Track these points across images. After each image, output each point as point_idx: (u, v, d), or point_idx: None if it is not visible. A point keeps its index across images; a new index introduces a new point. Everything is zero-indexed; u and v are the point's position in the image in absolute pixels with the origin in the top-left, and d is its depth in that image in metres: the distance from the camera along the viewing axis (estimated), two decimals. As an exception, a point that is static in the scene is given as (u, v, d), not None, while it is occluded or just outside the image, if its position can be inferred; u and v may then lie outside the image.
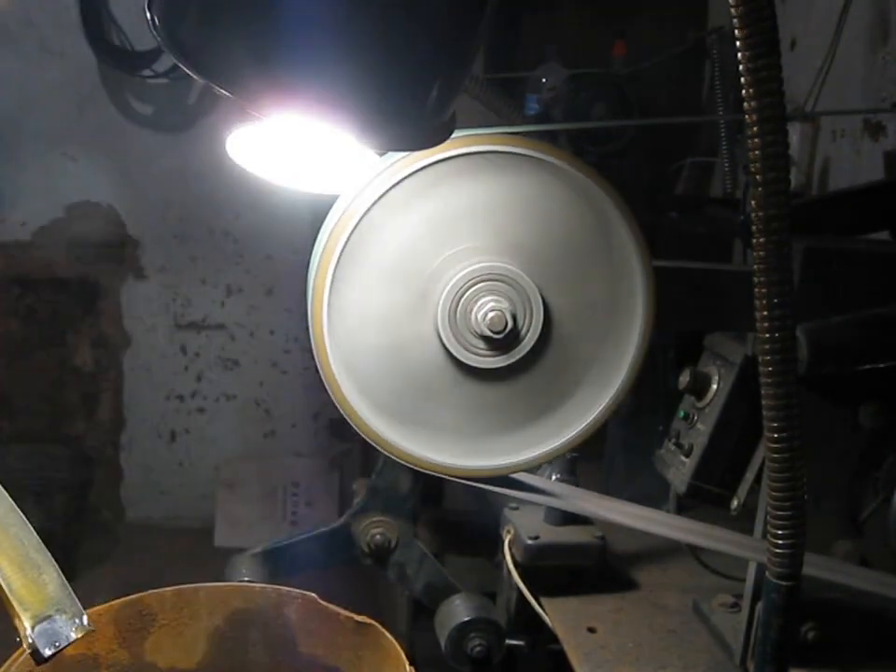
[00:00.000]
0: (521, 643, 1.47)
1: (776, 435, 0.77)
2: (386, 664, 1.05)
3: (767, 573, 0.83)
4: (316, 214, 1.04)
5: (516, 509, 1.49)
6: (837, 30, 2.08)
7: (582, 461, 1.46)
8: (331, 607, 1.13)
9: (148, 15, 0.71)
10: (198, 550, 3.49)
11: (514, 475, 1.00)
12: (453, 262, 0.91)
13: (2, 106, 3.26)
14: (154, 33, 0.71)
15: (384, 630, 1.08)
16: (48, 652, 0.72)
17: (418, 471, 0.97)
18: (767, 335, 0.74)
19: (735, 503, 1.23)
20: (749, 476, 1.21)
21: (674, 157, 2.63)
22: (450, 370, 0.94)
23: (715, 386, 1.26)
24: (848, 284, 1.12)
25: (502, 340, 0.90)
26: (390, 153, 0.88)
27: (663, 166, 2.57)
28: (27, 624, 0.73)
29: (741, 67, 0.67)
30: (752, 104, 0.68)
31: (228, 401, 3.63)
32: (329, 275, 0.89)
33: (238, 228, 3.51)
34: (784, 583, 0.82)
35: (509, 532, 1.45)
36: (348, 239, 0.88)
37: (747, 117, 0.68)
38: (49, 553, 0.76)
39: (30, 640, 0.72)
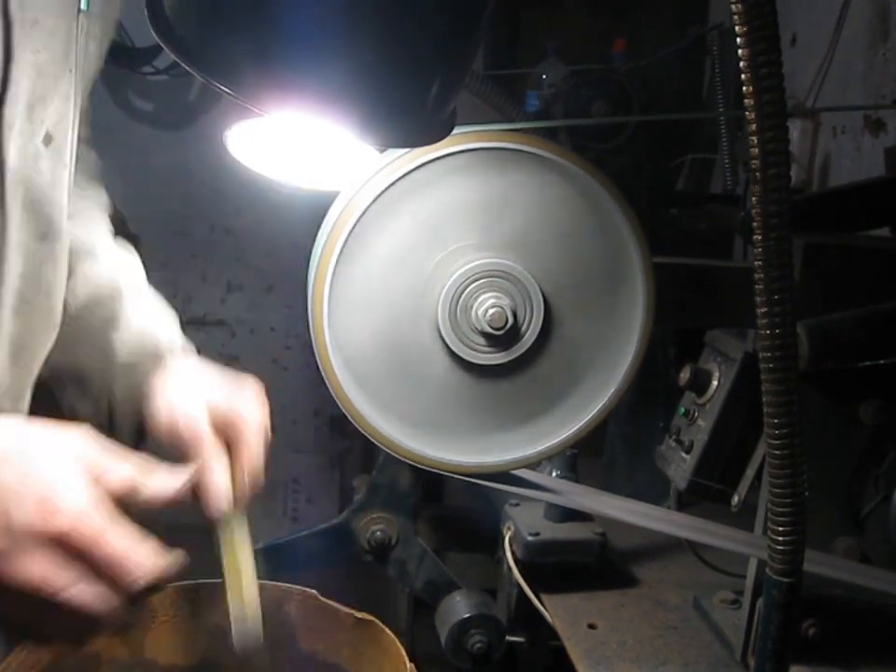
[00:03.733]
0: (521, 639, 1.47)
1: (776, 431, 0.77)
2: (387, 660, 1.05)
3: (768, 570, 0.83)
4: (317, 211, 1.04)
5: (517, 505, 1.49)
6: (838, 26, 2.08)
7: (583, 458, 1.46)
8: (332, 603, 1.13)
9: (148, 12, 0.71)
10: (198, 546, 3.49)
11: (515, 472, 1.00)
12: (453, 259, 0.91)
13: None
14: (153, 30, 0.71)
15: (384, 626, 1.08)
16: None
17: (419, 468, 0.97)
18: (768, 331, 0.74)
19: (735, 500, 1.23)
20: (750, 473, 1.21)
21: (674, 153, 2.63)
22: (450, 366, 0.94)
23: (715, 383, 1.26)
24: (849, 280, 1.12)
25: (503, 336, 0.90)
26: (391, 150, 0.87)
27: (663, 163, 2.57)
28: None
29: (741, 64, 0.67)
30: (753, 100, 0.67)
31: (228, 398, 3.63)
32: (330, 272, 0.89)
33: (238, 225, 3.51)
34: (785, 580, 0.82)
35: (509, 529, 1.45)
36: (349, 236, 0.88)
37: (747, 113, 0.68)
38: None
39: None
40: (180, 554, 0.73)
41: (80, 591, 0.66)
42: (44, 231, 0.88)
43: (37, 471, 0.66)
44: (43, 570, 0.65)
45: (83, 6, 0.88)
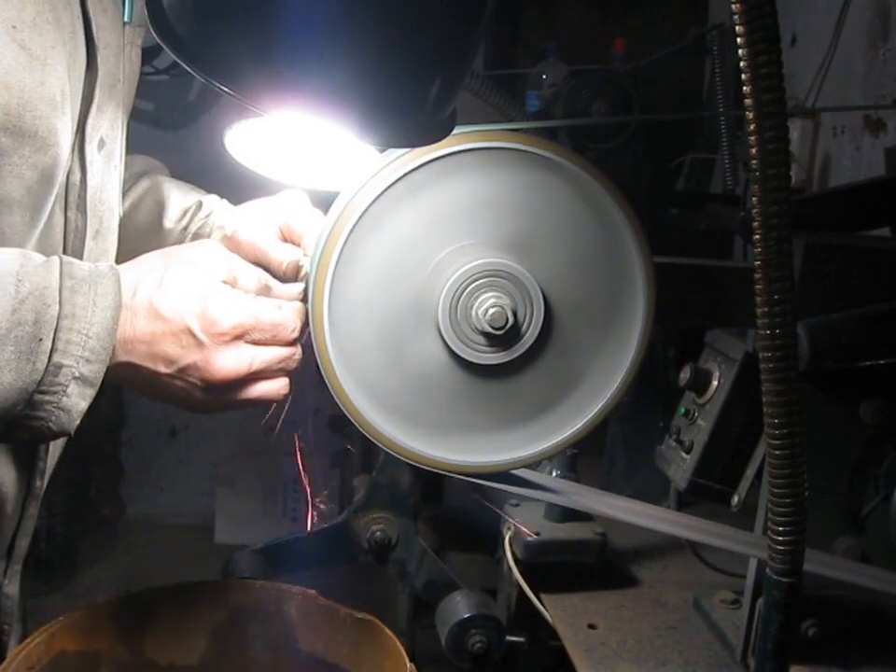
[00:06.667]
0: (521, 639, 1.47)
1: (776, 431, 0.77)
2: (386, 660, 1.05)
3: (768, 570, 0.83)
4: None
5: (517, 505, 1.49)
6: (838, 26, 2.08)
7: (583, 458, 1.46)
8: (331, 603, 1.13)
9: (147, 12, 0.71)
10: (198, 546, 3.49)
11: (515, 472, 1.00)
12: (453, 259, 0.91)
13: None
14: (153, 30, 0.71)
15: (384, 626, 1.08)
16: None
17: (419, 468, 0.97)
18: (768, 331, 0.74)
19: (735, 500, 1.23)
20: (750, 473, 1.21)
21: (674, 153, 2.63)
22: (450, 366, 0.93)
23: (716, 383, 1.26)
24: (849, 280, 1.12)
25: (503, 336, 0.90)
26: (390, 150, 0.87)
27: (663, 163, 2.57)
28: None
29: (742, 63, 0.67)
30: (753, 100, 0.67)
31: (228, 398, 3.62)
32: (330, 272, 0.88)
33: (238, 224, 3.51)
34: (785, 580, 0.82)
35: (509, 529, 1.45)
36: (348, 237, 0.88)
37: (747, 113, 0.68)
38: None
39: None
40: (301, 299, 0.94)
41: (261, 358, 0.88)
42: (96, 228, 0.98)
43: (189, 289, 0.86)
44: (231, 359, 0.86)
45: (126, 17, 0.95)
